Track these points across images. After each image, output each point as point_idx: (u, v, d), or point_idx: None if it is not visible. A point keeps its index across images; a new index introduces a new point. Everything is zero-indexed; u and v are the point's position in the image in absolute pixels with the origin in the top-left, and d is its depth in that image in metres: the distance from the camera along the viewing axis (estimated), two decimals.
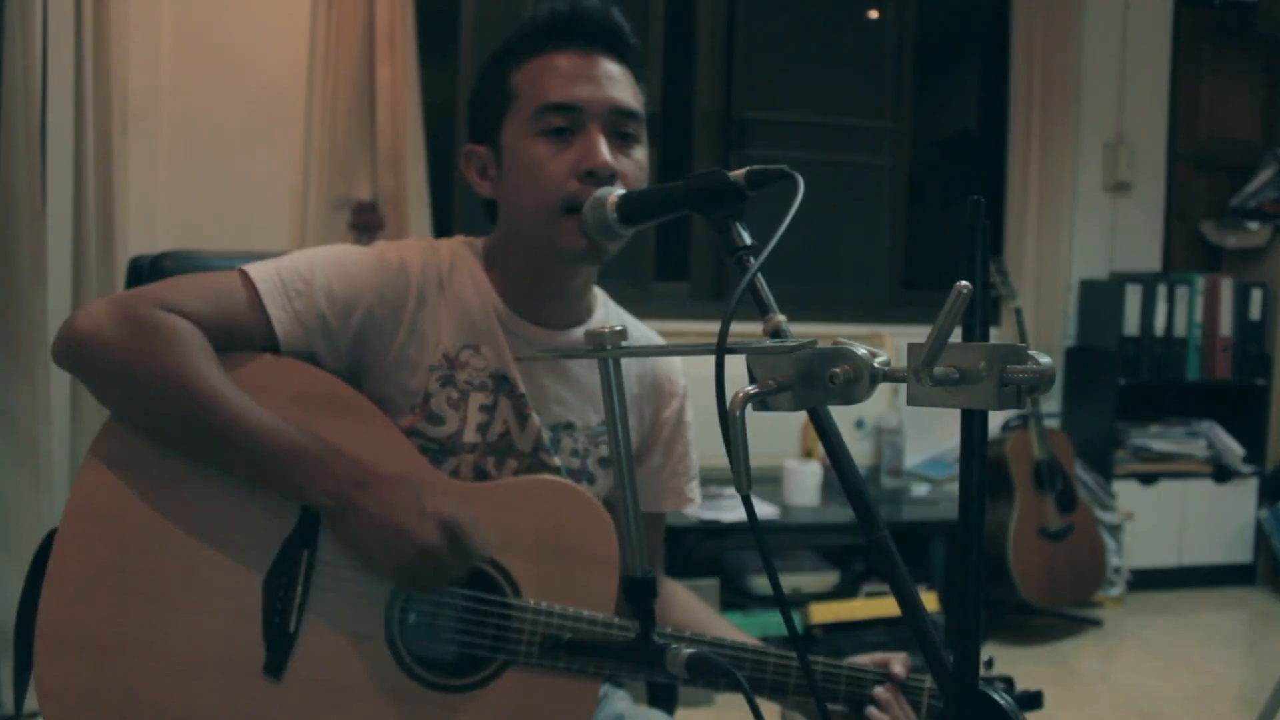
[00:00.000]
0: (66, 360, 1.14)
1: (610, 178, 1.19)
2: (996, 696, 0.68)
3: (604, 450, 1.35)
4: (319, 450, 1.13)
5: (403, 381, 1.24)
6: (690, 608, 1.46)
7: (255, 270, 1.19)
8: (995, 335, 3.73)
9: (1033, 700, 1.34)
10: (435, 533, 1.13)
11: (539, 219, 1.22)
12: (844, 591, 3.43)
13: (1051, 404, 4.25)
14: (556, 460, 1.30)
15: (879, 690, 1.28)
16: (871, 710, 1.27)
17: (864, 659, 1.32)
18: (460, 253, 1.31)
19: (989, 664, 1.36)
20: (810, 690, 1.18)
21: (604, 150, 1.20)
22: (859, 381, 0.71)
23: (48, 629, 1.11)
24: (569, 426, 1.33)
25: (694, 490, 1.47)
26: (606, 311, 1.39)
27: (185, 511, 1.14)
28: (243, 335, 1.18)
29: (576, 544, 1.23)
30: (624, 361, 1.36)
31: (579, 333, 1.32)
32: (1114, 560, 4.00)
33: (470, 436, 1.25)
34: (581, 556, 1.22)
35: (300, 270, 1.20)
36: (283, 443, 1.12)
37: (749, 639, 1.30)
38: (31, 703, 1.13)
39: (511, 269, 1.29)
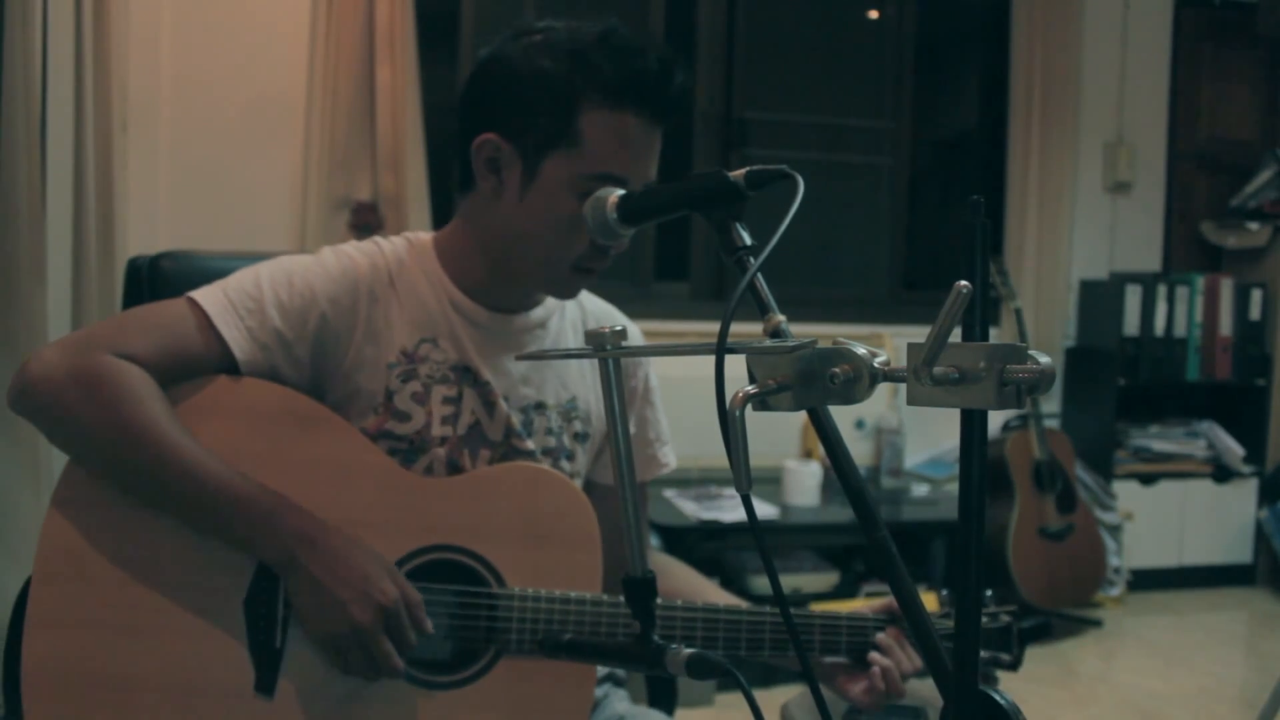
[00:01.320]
0: (20, 406, 1.13)
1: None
2: (997, 696, 0.68)
3: (578, 425, 1.36)
4: (268, 503, 1.12)
5: (363, 382, 1.24)
6: (681, 576, 1.46)
7: (202, 295, 1.19)
8: (995, 335, 3.74)
9: (1041, 630, 1.33)
10: (371, 615, 1.10)
11: (544, 265, 1.24)
12: (844, 591, 3.43)
13: (1051, 404, 4.26)
14: (530, 444, 1.30)
15: (880, 635, 1.27)
16: (873, 655, 1.26)
17: (866, 607, 1.31)
18: (409, 247, 1.30)
19: (990, 597, 1.35)
20: (795, 645, 1.18)
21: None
22: (859, 381, 0.71)
23: (33, 674, 1.11)
24: (540, 406, 1.33)
25: (668, 454, 1.47)
26: None
27: (157, 542, 1.14)
28: (198, 364, 1.18)
29: (554, 525, 1.23)
30: (580, 336, 1.36)
31: (538, 312, 1.33)
32: (1114, 560, 4.00)
33: (438, 430, 1.25)
34: (560, 537, 1.23)
35: (247, 289, 1.20)
36: (232, 494, 1.11)
37: (743, 603, 1.30)
38: None
39: (474, 264, 1.29)
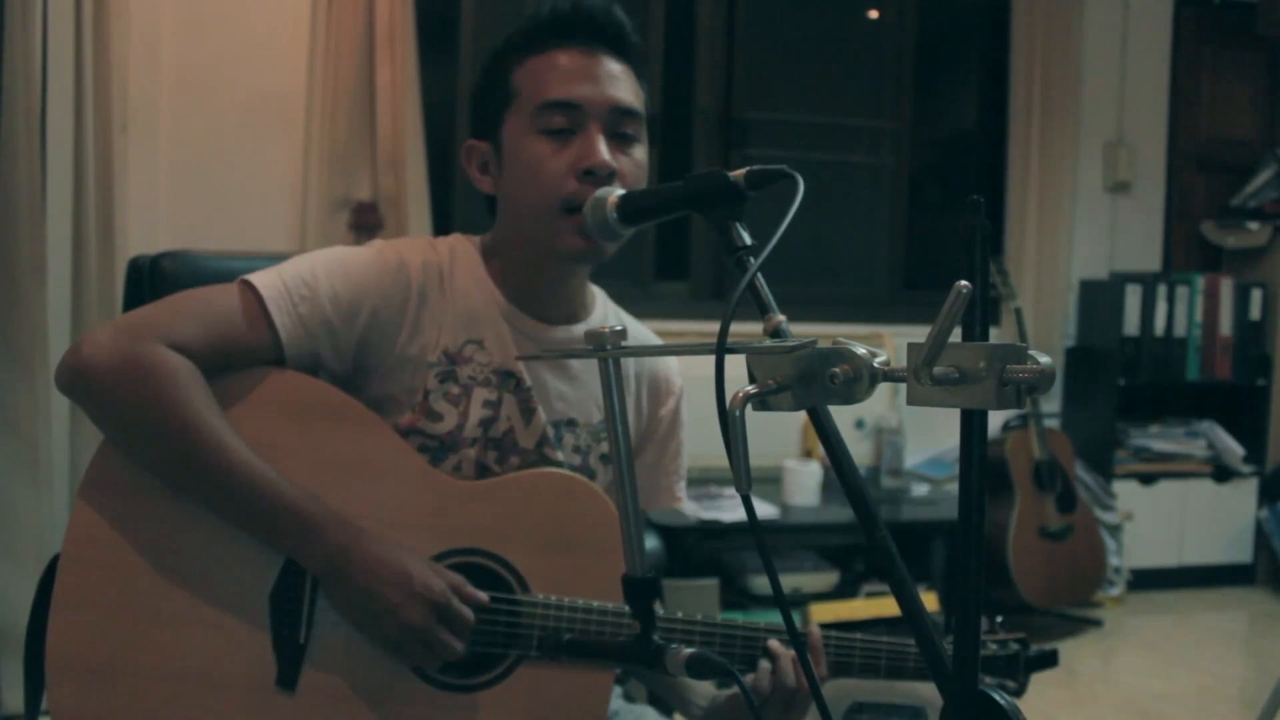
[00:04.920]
0: (68, 389, 1.14)
1: (609, 177, 1.19)
2: (996, 696, 0.68)
3: (605, 447, 1.35)
4: (312, 513, 1.12)
5: (405, 380, 1.24)
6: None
7: (258, 279, 1.19)
8: (995, 335, 3.73)
9: (1048, 659, 1.34)
10: (422, 613, 1.12)
11: (538, 218, 1.23)
12: (844, 591, 3.43)
13: (1051, 404, 4.25)
14: (559, 455, 1.31)
15: (772, 642, 1.25)
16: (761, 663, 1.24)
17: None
18: (459, 249, 1.31)
19: (999, 624, 1.36)
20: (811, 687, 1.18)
21: (603, 149, 1.20)
22: (859, 381, 0.71)
23: (57, 657, 1.11)
24: (571, 423, 1.33)
25: (682, 490, 1.48)
26: (605, 309, 1.40)
27: (186, 531, 1.14)
28: (246, 355, 1.18)
29: (582, 534, 1.23)
30: (622, 359, 1.36)
31: (579, 329, 1.33)
32: (1114, 560, 4.00)
33: (471, 431, 1.25)
34: (588, 547, 1.22)
35: (303, 275, 1.20)
36: (278, 500, 1.12)
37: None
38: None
39: (511, 265, 1.29)
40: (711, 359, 0.76)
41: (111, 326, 1.14)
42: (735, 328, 0.78)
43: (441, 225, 3.58)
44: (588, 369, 1.33)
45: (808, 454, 3.78)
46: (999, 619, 1.36)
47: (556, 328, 1.31)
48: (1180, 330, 4.19)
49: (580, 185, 1.19)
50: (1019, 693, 1.33)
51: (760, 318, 0.87)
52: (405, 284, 1.24)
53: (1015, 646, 1.34)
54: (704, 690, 1.37)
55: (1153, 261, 4.50)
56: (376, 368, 1.24)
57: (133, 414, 1.11)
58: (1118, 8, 4.37)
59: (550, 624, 1.19)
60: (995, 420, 3.88)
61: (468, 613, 1.14)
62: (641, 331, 1.45)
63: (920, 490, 3.83)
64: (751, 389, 0.74)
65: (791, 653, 1.24)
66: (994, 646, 1.34)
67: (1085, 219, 4.37)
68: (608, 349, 0.94)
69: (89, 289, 2.89)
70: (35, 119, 2.71)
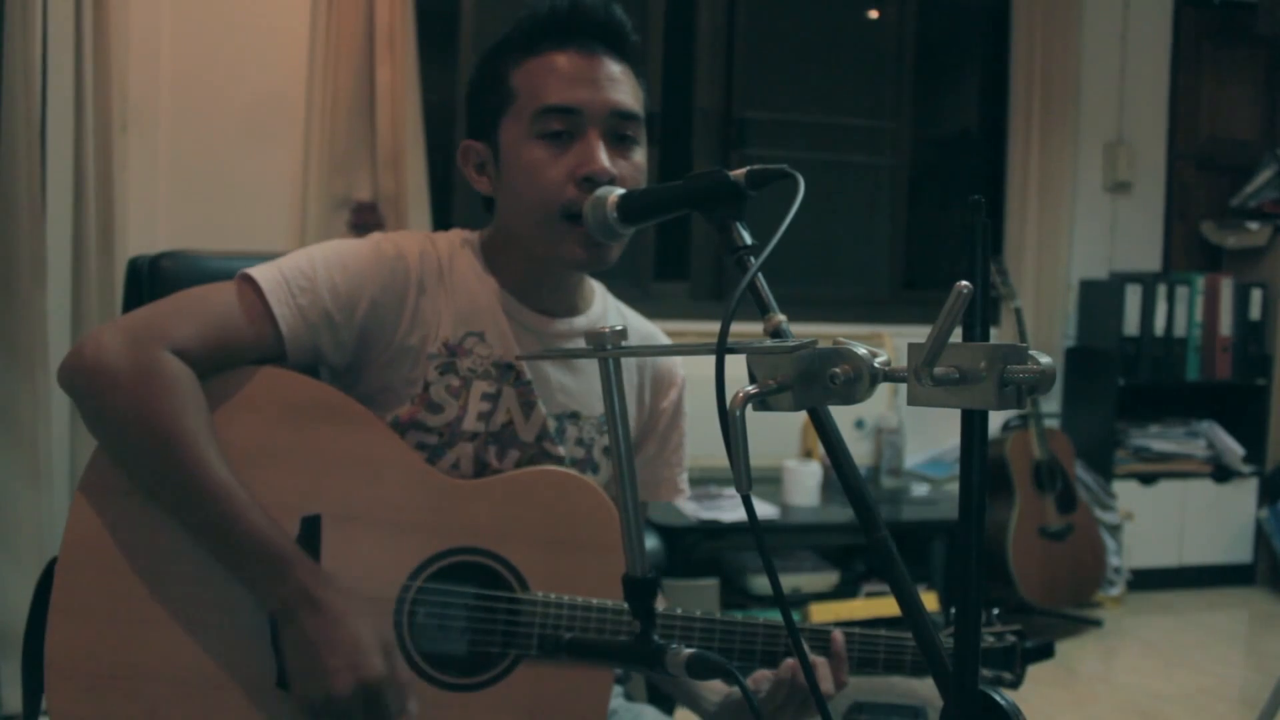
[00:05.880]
0: (68, 387, 1.13)
1: (608, 183, 1.18)
2: (997, 697, 0.68)
3: (608, 440, 1.35)
4: (282, 552, 1.10)
5: (404, 371, 1.24)
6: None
7: (257, 272, 1.19)
8: (995, 335, 3.73)
9: (1044, 651, 1.34)
10: (350, 689, 1.07)
11: (538, 224, 1.23)
12: (844, 591, 3.43)
13: (1051, 404, 4.25)
14: (560, 450, 1.30)
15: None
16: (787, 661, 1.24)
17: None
18: (458, 242, 1.31)
19: (995, 616, 1.36)
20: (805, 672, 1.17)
21: (602, 156, 1.19)
22: (859, 381, 0.71)
23: (57, 661, 1.11)
24: (574, 416, 1.33)
25: (684, 481, 1.48)
26: (605, 302, 1.40)
27: (182, 533, 1.13)
28: (249, 345, 1.17)
29: (581, 532, 1.22)
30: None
31: (581, 321, 1.33)
32: (1114, 560, 4.00)
33: (470, 424, 1.25)
34: (587, 544, 1.22)
35: (302, 268, 1.20)
36: (251, 531, 1.10)
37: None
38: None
39: (510, 260, 1.29)
40: (712, 359, 0.76)
41: (115, 328, 1.14)
42: (735, 328, 0.78)
43: (441, 225, 3.58)
44: (591, 362, 1.33)
45: (808, 454, 3.78)
46: (995, 611, 1.36)
47: (557, 320, 1.31)
48: (1180, 330, 4.19)
49: (579, 192, 1.18)
50: (1015, 684, 1.33)
51: (760, 317, 0.87)
52: (404, 274, 1.24)
53: (1012, 638, 1.34)
54: (714, 686, 1.37)
55: (1153, 261, 4.50)
56: (376, 359, 1.24)
57: (124, 420, 1.11)
58: (1118, 8, 4.37)
59: (550, 622, 1.19)
60: (995, 420, 3.88)
61: (390, 713, 1.10)
62: (642, 324, 1.45)
63: (920, 490, 3.83)
64: (752, 389, 0.74)
65: (822, 659, 1.24)
66: (991, 639, 1.34)
67: (1085, 219, 4.37)
68: (608, 349, 0.93)
69: (89, 289, 2.89)
70: (35, 119, 2.71)
